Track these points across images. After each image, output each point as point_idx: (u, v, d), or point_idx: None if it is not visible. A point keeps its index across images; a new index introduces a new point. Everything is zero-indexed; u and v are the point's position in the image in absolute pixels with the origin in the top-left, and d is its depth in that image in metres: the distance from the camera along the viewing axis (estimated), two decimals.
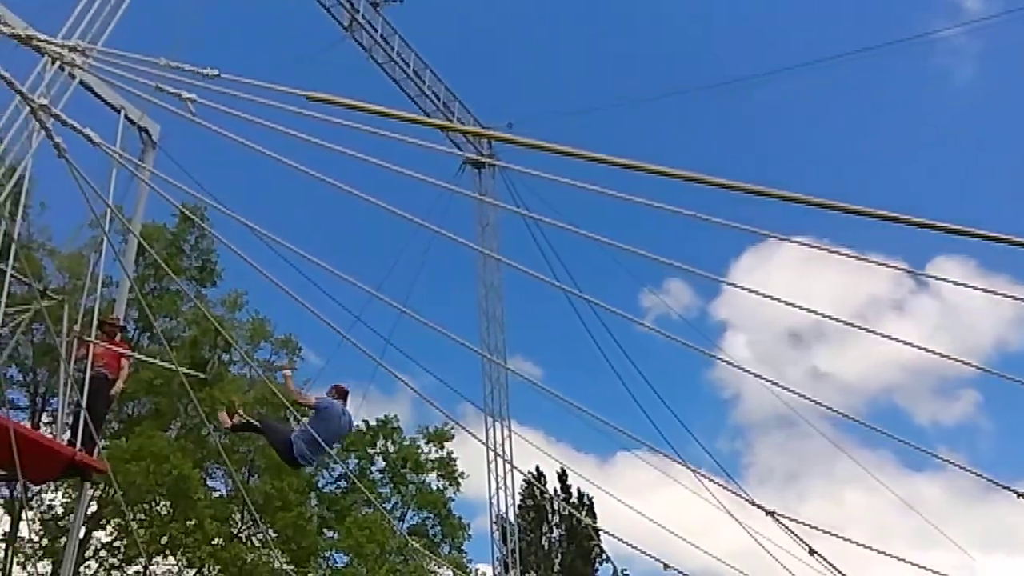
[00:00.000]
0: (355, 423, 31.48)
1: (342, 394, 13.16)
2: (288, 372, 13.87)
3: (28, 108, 4.95)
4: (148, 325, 27.91)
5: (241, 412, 13.93)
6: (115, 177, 13.15)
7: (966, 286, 6.87)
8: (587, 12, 45.11)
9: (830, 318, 8.42)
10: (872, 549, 9.12)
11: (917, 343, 7.49)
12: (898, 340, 7.48)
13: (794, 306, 8.01)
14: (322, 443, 12.25)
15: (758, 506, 10.82)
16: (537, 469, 36.46)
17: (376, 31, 24.54)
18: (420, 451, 33.46)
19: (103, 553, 29.07)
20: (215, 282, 31.20)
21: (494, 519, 29.82)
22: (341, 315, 17.67)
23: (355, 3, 23.96)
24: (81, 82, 12.99)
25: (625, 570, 39.85)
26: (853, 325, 8.74)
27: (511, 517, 31.57)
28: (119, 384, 15.58)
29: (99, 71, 4.58)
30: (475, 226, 27.68)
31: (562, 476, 42.34)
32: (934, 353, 7.51)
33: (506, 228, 28.78)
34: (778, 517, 9.99)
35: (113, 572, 28.95)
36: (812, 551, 10.15)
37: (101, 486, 25.94)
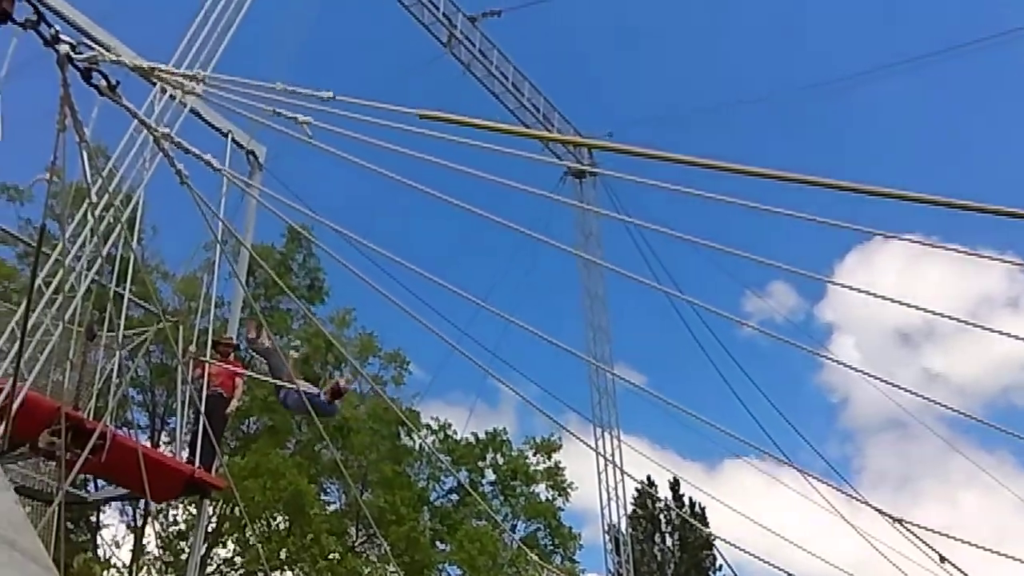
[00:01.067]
0: (464, 435, 31.85)
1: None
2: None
3: (150, 137, 5.06)
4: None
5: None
6: (226, 199, 13.41)
7: None
8: (682, 19, 44.76)
9: (943, 316, 8.13)
10: (1009, 557, 8.76)
11: None
12: (1016, 337, 7.17)
13: (905, 305, 7.75)
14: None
15: (884, 513, 10.49)
16: (648, 479, 36.13)
17: (474, 45, 24.67)
18: (528, 462, 33.49)
19: (224, 568, 29.70)
20: (323, 300, 31.75)
21: (606, 529, 29.61)
22: (448, 329, 17.81)
23: (453, 19, 24.13)
24: (191, 109, 13.29)
25: None
26: (967, 323, 8.43)
27: (623, 527, 31.32)
28: (234, 403, 15.86)
29: (215, 97, 4.65)
30: (578, 236, 27.64)
31: (674, 485, 41.91)
32: None
33: (608, 236, 28.71)
34: (907, 524, 9.68)
35: None
36: (943, 559, 9.76)
37: (220, 503, 26.49)
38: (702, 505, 41.51)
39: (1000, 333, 7.63)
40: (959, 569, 9.60)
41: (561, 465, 33.75)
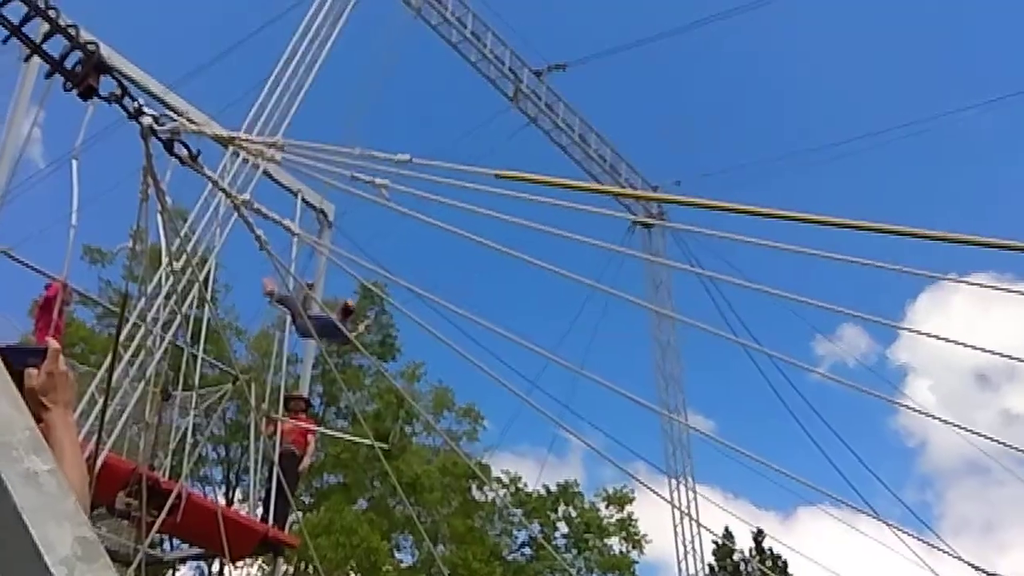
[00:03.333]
0: (536, 488, 31.61)
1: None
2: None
3: (225, 200, 5.11)
4: (333, 400, 28.63)
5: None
6: (297, 258, 13.56)
7: None
8: (749, 65, 44.79)
9: (1012, 358, 7.91)
10: None
11: None
12: None
13: (974, 348, 7.57)
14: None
15: (970, 564, 10.14)
16: (727, 529, 35.52)
17: (540, 99, 24.83)
18: (601, 514, 33.18)
19: None
20: (395, 356, 31.92)
21: None
22: (517, 381, 17.73)
23: (519, 73, 24.32)
24: (264, 170, 13.50)
25: None
26: None
27: None
28: (307, 460, 15.90)
29: (294, 163, 4.70)
30: (648, 285, 27.50)
31: (757, 536, 41.12)
32: None
33: (680, 283, 28.56)
34: None
35: None
36: None
37: (294, 559, 26.52)
38: (784, 559, 40.70)
39: None
40: None
41: (634, 517, 33.41)
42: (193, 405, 15.06)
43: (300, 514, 27.97)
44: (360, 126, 18.01)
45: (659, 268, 26.67)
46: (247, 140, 4.72)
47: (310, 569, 25.08)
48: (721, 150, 45.84)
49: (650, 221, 25.38)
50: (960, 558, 11.48)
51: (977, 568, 9.97)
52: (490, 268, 37.62)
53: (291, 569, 27.58)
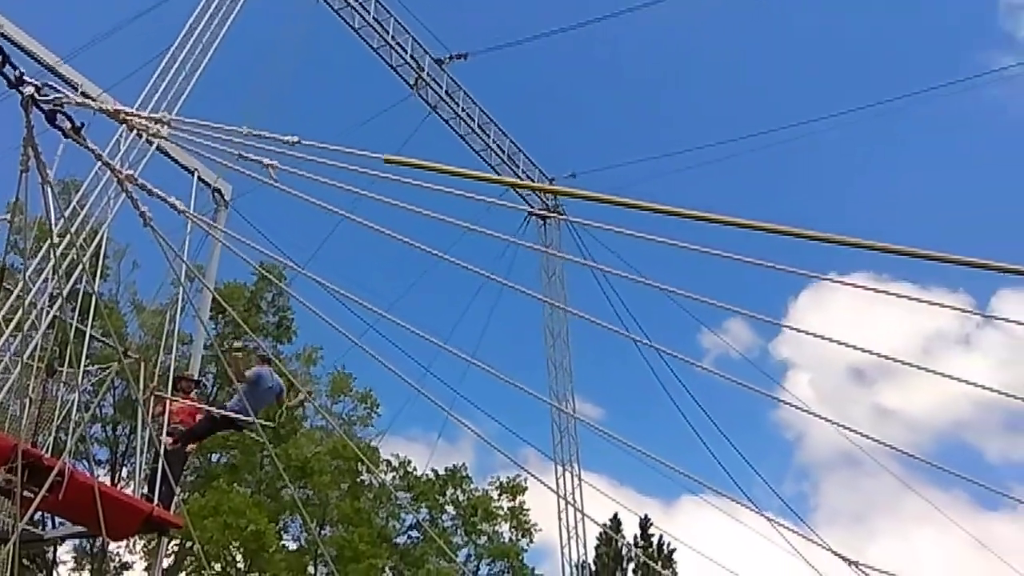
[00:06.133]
0: (425, 472, 31.76)
1: (266, 360, 15.13)
2: (238, 354, 15.02)
3: (114, 178, 5.15)
4: (227, 381, 28.35)
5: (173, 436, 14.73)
6: (190, 236, 13.47)
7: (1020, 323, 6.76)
8: (648, 61, 45.43)
9: (886, 358, 8.34)
10: None
11: (983, 378, 7.37)
12: (955, 378, 7.39)
13: (852, 347, 7.98)
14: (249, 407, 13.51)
15: (839, 555, 10.59)
16: (615, 517, 36.07)
17: (441, 87, 24.89)
18: (491, 500, 33.47)
19: None
20: (291, 338, 31.70)
21: (567, 574, 29.45)
22: (412, 367, 17.91)
23: (421, 61, 24.35)
24: (158, 147, 13.37)
25: None
26: (907, 364, 8.60)
27: (586, 565, 31.20)
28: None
29: (181, 140, 4.76)
30: (541, 276, 27.83)
31: (643, 523, 41.92)
32: (998, 392, 7.40)
33: (573, 274, 28.90)
34: (863, 568, 9.78)
35: None
36: None
37: (179, 540, 26.28)
38: (671, 546, 41.57)
39: (938, 373, 7.85)
40: None
41: (526, 507, 33.82)
42: (79, 382, 14.83)
43: (187, 495, 27.71)
44: (261, 108, 17.86)
45: (553, 260, 27.01)
46: (135, 115, 4.76)
47: (196, 549, 24.82)
48: (620, 145, 46.35)
49: (546, 213, 25.70)
50: (830, 549, 11.99)
51: (844, 558, 10.46)
52: (392, 255, 37.58)
53: (175, 549, 27.33)
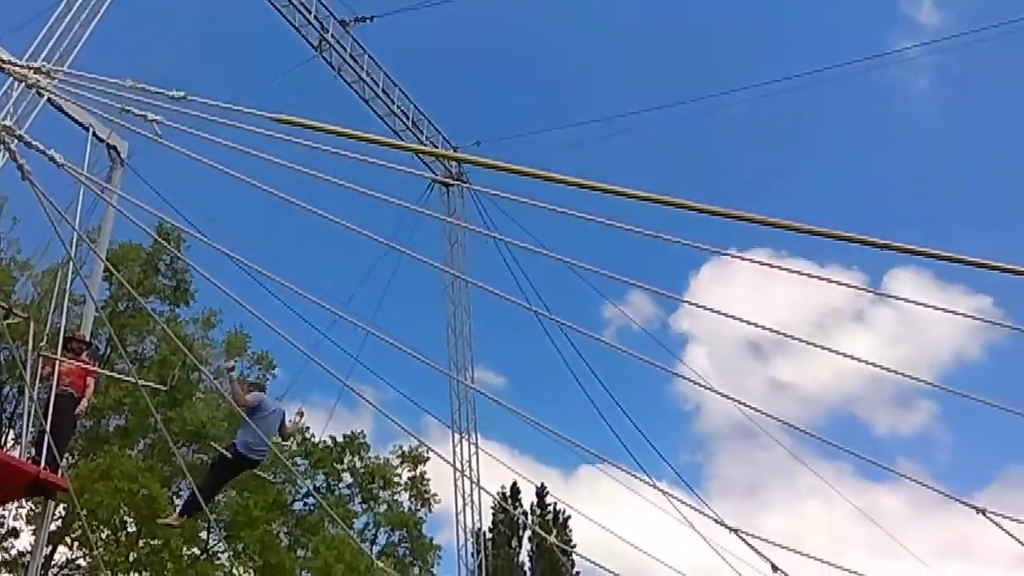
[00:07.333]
0: (322, 438, 31.61)
1: (261, 387, 14.75)
2: (234, 375, 14.61)
3: None
4: (122, 342, 27.81)
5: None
6: (83, 195, 13.12)
7: (916, 303, 7.04)
8: (559, 30, 45.37)
9: (779, 333, 8.61)
10: (833, 565, 9.23)
11: (874, 354, 7.65)
12: (843, 354, 7.68)
13: (745, 322, 8.23)
14: (263, 435, 13.23)
15: (721, 523, 10.90)
16: (514, 485, 36.43)
17: (345, 50, 24.62)
18: (391, 469, 33.48)
19: (68, 571, 28.93)
20: (188, 301, 31.16)
21: (462, 541, 29.68)
22: (310, 334, 17.76)
23: (325, 23, 24.04)
24: (50, 100, 13.00)
25: None
26: (798, 339, 8.87)
27: (481, 532, 31.48)
28: (84, 402, 15.44)
29: (65, 92, 4.65)
30: (444, 244, 27.82)
31: (540, 492, 42.40)
32: (883, 368, 7.69)
33: (476, 243, 28.91)
34: (741, 535, 10.07)
35: None
36: (775, 568, 10.21)
37: (67, 504, 25.78)
38: (566, 514, 42.14)
39: (828, 350, 8.13)
40: None
41: (427, 477, 33.88)
42: None
43: (77, 458, 27.19)
44: (159, 65, 17.42)
45: (456, 228, 27.00)
46: (15, 64, 4.63)
47: (82, 514, 24.35)
48: (527, 115, 46.40)
49: (449, 181, 25.66)
50: (708, 515, 12.33)
51: (719, 522, 10.77)
52: (297, 221, 37.08)
53: (63, 513, 26.82)
